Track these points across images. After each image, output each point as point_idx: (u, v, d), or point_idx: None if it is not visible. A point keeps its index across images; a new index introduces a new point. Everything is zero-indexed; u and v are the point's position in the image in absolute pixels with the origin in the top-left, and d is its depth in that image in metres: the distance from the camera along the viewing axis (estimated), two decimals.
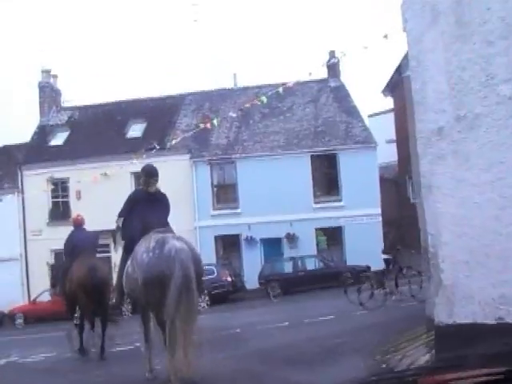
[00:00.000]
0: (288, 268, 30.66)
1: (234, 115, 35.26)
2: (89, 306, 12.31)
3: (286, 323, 17.27)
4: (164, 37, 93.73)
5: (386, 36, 19.44)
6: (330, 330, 14.57)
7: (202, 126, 31.61)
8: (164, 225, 8.88)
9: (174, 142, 34.58)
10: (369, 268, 29.57)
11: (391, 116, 43.42)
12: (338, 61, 39.84)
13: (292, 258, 30.97)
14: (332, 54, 39.78)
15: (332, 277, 28.79)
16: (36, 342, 18.26)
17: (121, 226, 9.29)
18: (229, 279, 29.60)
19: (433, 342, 7.12)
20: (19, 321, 31.56)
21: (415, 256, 16.38)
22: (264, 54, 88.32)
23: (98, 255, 14.54)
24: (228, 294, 29.60)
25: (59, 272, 14.07)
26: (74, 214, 16.60)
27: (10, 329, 30.01)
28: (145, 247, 8.14)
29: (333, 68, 40.05)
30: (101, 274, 12.51)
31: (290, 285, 29.34)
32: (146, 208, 8.91)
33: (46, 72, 42.75)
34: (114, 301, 10.54)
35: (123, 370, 11.10)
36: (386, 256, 27.17)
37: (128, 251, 8.83)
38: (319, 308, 21.44)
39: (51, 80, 43.24)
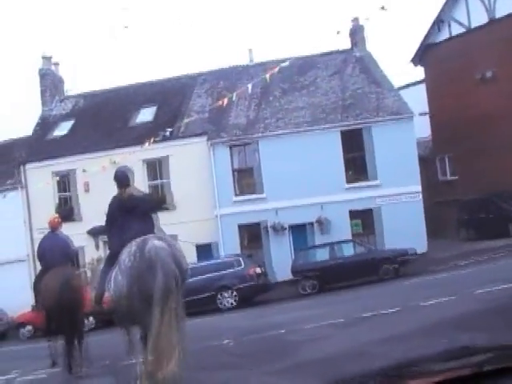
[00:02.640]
0: (324, 255, 27.26)
1: (255, 88, 32.28)
2: (60, 324, 11.58)
3: (341, 319, 14.01)
4: (170, 15, 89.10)
5: None
6: (410, 326, 11.31)
7: (220, 103, 28.59)
8: (145, 233, 8.41)
9: (187, 121, 31.69)
10: (415, 252, 26.48)
11: (422, 88, 40.19)
12: (363, 28, 36.81)
13: (328, 244, 27.55)
14: (355, 20, 36.73)
15: (376, 263, 25.59)
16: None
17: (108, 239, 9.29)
18: (258, 271, 26.37)
19: None
20: (23, 330, 28.04)
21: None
22: (280, 26, 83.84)
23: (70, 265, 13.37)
24: (257, 288, 26.41)
25: (34, 283, 13.35)
26: (51, 216, 13.96)
27: (17, 340, 26.92)
28: (127, 253, 8.06)
29: (357, 37, 36.87)
30: (72, 290, 11.63)
31: (328, 274, 26.17)
32: (124, 220, 8.68)
33: (47, 59, 39.77)
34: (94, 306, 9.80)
35: None
36: None
37: (110, 264, 8.65)
38: (372, 298, 18.20)
39: (52, 67, 40.31)
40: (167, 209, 32.26)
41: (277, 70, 26.10)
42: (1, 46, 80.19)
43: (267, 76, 26.58)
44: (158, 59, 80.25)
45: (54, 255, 12.18)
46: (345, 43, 38.81)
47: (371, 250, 27.54)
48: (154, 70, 58.45)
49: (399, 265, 25.53)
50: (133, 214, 8.66)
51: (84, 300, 12.10)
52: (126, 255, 8.03)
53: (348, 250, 27.49)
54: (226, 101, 29.46)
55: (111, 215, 8.93)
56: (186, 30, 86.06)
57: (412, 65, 40.44)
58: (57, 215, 14.14)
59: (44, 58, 39.47)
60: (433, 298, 14.48)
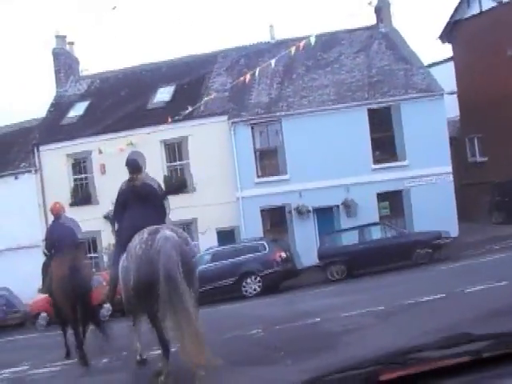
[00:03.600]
0: (353, 239, 25.85)
1: (277, 66, 31.04)
2: (70, 311, 11.44)
3: (381, 307, 12.71)
4: None
5: None
6: (460, 313, 10.00)
7: (242, 79, 27.32)
8: (155, 223, 8.33)
9: (206, 99, 30.45)
10: (449, 235, 25.13)
11: (449, 66, 38.61)
12: (388, 4, 35.32)
13: (357, 228, 26.16)
14: None
15: (408, 247, 24.21)
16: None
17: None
18: (283, 256, 25.05)
19: None
20: (41, 322, 26.00)
21: None
22: (302, 2, 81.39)
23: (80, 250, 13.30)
24: (283, 274, 25.10)
25: (42, 268, 13.11)
26: (51, 203, 13.98)
27: (34, 331, 25.64)
28: (139, 240, 7.97)
29: (382, 13, 35.34)
30: (81, 275, 11.55)
31: (357, 259, 24.77)
32: (135, 207, 8.61)
33: (61, 37, 38.55)
34: (106, 297, 10.17)
35: None
36: None
37: (120, 246, 8.64)
38: (410, 284, 16.86)
39: (67, 47, 39.05)
40: (187, 192, 31.17)
41: (302, 44, 24.80)
42: (14, 25, 78.93)
43: (292, 49, 25.20)
44: (176, 38, 78.46)
45: (65, 241, 12.06)
46: (370, 20, 37.31)
47: (403, 233, 26.15)
48: (171, 49, 56.95)
49: (433, 249, 24.12)
50: (145, 201, 8.61)
51: (91, 288, 12.03)
52: (138, 242, 7.96)
53: (378, 234, 26.07)
54: (248, 77, 28.25)
55: (123, 201, 8.83)
56: (204, 7, 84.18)
57: (440, 42, 38.89)
58: (58, 202, 13.61)
59: (58, 36, 38.25)
60: (478, 283, 13.16)
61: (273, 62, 27.14)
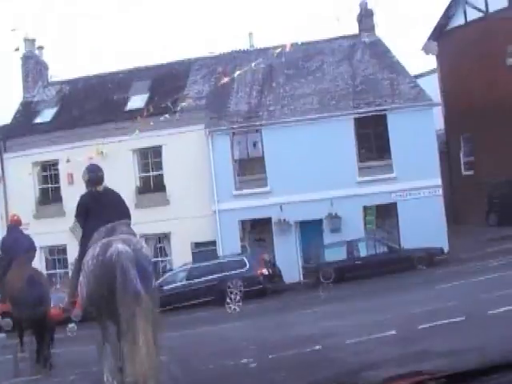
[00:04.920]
0: (340, 255, 24.36)
1: (256, 74, 29.64)
2: (25, 321, 11.48)
3: (392, 331, 11.05)
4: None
5: None
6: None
7: (222, 81, 25.83)
8: (119, 229, 7.99)
9: (182, 107, 28.88)
10: (443, 250, 23.74)
11: (433, 78, 37.43)
12: (371, 13, 34.01)
13: (346, 243, 24.67)
14: (363, 4, 33.84)
15: (398, 263, 22.77)
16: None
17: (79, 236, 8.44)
18: (265, 272, 23.43)
19: None
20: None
21: None
22: (283, 10, 79.51)
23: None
24: (264, 291, 23.61)
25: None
26: (11, 215, 15.45)
27: None
28: (91, 254, 7.69)
29: (365, 22, 33.96)
30: (39, 285, 11.57)
31: (345, 275, 23.24)
32: (97, 213, 8.20)
33: (30, 41, 36.55)
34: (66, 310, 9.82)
35: None
36: None
37: (80, 260, 8.18)
38: (410, 304, 15.19)
39: (36, 51, 37.09)
40: (157, 203, 29.59)
41: (289, 46, 23.36)
42: None
43: (275, 52, 23.69)
44: (149, 44, 76.18)
45: (21, 250, 12.05)
46: (351, 29, 35.98)
47: (393, 248, 24.65)
48: (145, 56, 54.97)
49: (426, 265, 22.80)
50: (108, 206, 8.32)
51: (49, 299, 11.97)
52: (90, 257, 7.72)
53: (367, 249, 24.72)
54: (225, 81, 26.73)
55: (84, 208, 8.43)
56: (177, 13, 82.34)
57: (423, 53, 37.70)
58: (16, 213, 14.19)
59: (26, 40, 36.27)
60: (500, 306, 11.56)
61: (253, 65, 25.54)
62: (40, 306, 11.30)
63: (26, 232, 13.60)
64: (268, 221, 28.77)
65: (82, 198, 8.60)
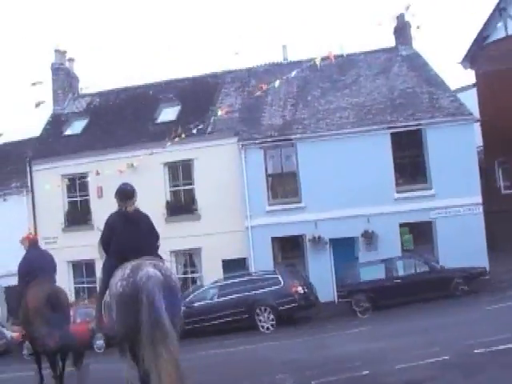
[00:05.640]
0: (377, 274, 23.41)
1: (290, 87, 28.97)
2: (49, 339, 10.55)
3: (446, 356, 10.09)
4: (197, 10, 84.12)
5: None
6: None
7: (256, 94, 25.22)
8: (146, 252, 7.83)
9: (215, 120, 28.27)
10: (485, 270, 22.71)
11: (472, 92, 36.36)
12: (408, 25, 33.16)
13: (385, 261, 23.72)
14: (401, 17, 32.92)
15: (440, 283, 21.78)
16: None
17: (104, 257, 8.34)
18: (300, 291, 22.60)
19: None
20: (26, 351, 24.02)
21: None
22: (317, 22, 78.73)
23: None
24: (299, 311, 22.84)
25: (15, 298, 12.59)
26: (27, 233, 13.66)
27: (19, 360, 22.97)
28: (120, 275, 7.45)
29: (402, 34, 33.15)
30: (62, 300, 11.19)
31: (383, 296, 22.44)
32: (124, 235, 7.94)
33: (60, 53, 36.27)
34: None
35: None
36: None
37: (108, 277, 7.88)
38: (460, 326, 14.22)
39: (67, 64, 36.74)
40: (191, 219, 28.91)
41: (332, 55, 22.66)
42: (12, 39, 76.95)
43: (317, 61, 22.87)
44: (181, 58, 75.87)
45: (43, 268, 11.56)
46: (388, 42, 35.17)
47: (434, 267, 23.62)
48: (175, 69, 54.63)
49: (468, 285, 21.78)
50: (136, 229, 8.05)
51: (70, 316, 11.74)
52: (119, 279, 7.48)
53: (404, 268, 23.74)
54: (259, 92, 26.11)
55: (111, 229, 8.15)
56: (211, 27, 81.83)
57: (461, 67, 36.67)
58: (32, 232, 13.64)
59: (57, 51, 35.98)
60: None
61: (285, 81, 24.86)
62: (60, 329, 10.78)
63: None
64: (301, 238, 27.88)
65: (110, 217, 8.33)
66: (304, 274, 26.41)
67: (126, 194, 8.22)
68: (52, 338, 10.55)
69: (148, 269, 7.30)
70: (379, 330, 17.70)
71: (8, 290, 27.63)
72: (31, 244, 12.25)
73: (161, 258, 8.10)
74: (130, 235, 7.95)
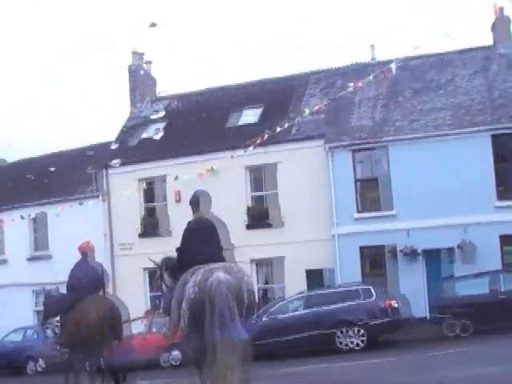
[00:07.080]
0: (476, 289, 21.28)
1: (379, 88, 27.17)
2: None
3: None
4: (280, 9, 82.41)
5: None
6: None
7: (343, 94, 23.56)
8: (214, 259, 7.74)
9: (299, 122, 26.76)
10: None
11: None
12: (508, 20, 30.90)
13: (488, 274, 21.56)
14: (498, 12, 30.73)
15: None
16: None
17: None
18: (394, 304, 20.73)
19: None
20: None
21: None
22: (407, 19, 75.91)
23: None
24: (391, 327, 20.85)
25: (57, 306, 11.91)
26: (83, 242, 12.44)
27: None
28: (193, 281, 7.49)
29: (501, 31, 30.83)
30: (118, 315, 10.99)
31: (487, 314, 20.10)
32: (195, 243, 7.98)
33: (138, 54, 35.45)
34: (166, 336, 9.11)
35: None
36: None
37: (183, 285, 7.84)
38: None
39: (144, 66, 35.85)
40: (273, 226, 27.46)
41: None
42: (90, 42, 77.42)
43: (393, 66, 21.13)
44: (263, 59, 74.42)
45: (93, 281, 11.43)
46: (485, 40, 32.86)
47: None
48: (256, 71, 53.18)
49: None
50: (206, 237, 8.00)
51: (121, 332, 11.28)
52: (192, 284, 7.46)
53: (504, 283, 21.52)
54: (347, 93, 24.53)
55: (182, 237, 8.21)
56: (292, 27, 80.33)
57: None
58: (89, 240, 12.61)
59: (134, 53, 35.13)
60: None
61: (374, 81, 23.24)
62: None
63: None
64: (390, 248, 26.04)
65: (186, 227, 8.32)
66: (395, 287, 24.56)
67: (192, 201, 8.40)
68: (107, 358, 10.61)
69: (218, 273, 7.29)
70: (484, 351, 15.75)
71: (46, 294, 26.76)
72: (83, 253, 11.91)
73: (235, 261, 8.06)
74: (200, 245, 7.91)
